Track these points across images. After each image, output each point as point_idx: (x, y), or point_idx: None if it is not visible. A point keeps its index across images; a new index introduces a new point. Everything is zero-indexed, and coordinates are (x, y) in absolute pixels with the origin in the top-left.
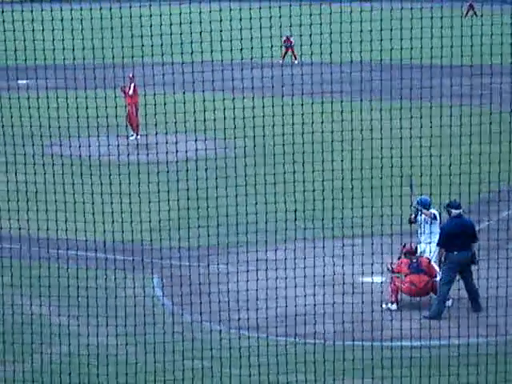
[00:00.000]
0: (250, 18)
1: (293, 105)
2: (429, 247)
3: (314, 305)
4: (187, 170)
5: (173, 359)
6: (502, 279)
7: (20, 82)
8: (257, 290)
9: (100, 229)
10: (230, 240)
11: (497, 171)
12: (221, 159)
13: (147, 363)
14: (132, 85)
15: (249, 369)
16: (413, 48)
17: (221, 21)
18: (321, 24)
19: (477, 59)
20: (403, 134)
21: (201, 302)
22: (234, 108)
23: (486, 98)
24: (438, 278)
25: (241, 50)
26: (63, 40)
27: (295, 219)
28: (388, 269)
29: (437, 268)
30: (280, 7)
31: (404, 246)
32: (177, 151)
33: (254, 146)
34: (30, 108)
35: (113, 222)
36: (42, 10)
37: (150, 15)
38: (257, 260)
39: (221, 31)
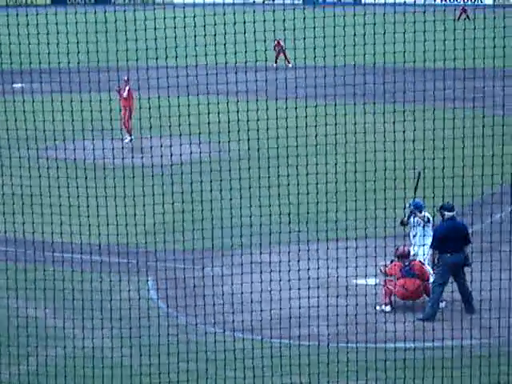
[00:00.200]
0: (244, 22)
1: (286, 108)
2: (422, 249)
3: (309, 307)
4: (182, 173)
5: (168, 361)
6: (495, 281)
7: (15, 85)
8: (251, 292)
9: (95, 232)
10: (225, 243)
11: (489, 174)
12: (215, 162)
13: (142, 365)
14: (127, 88)
15: (243, 371)
16: (406, 51)
17: (215, 24)
18: (314, 28)
19: (470, 62)
20: (396, 137)
21: (196, 305)
22: (228, 111)
23: (479, 101)
24: (431, 281)
25: (235, 53)
26: (58, 44)
27: (289, 222)
28: (381, 271)
29: (430, 270)
30: (274, 11)
31: (397, 249)
32: (171, 154)
33: (248, 149)
34: (24, 111)
35: (108, 224)
36: (37, 14)
37: (145, 19)
38: (251, 262)
39: (215, 35)
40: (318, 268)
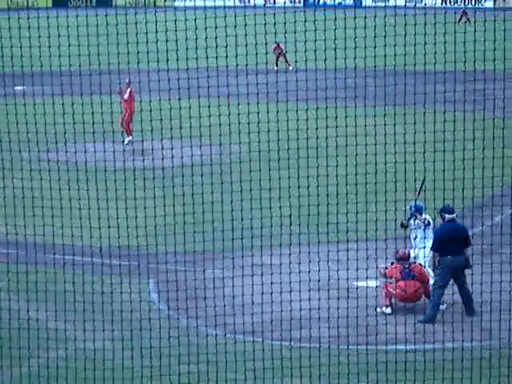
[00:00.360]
0: (245, 25)
1: (287, 111)
2: (422, 252)
3: (309, 309)
4: (183, 176)
5: (169, 364)
6: (495, 284)
7: (16, 88)
8: (252, 294)
9: (96, 234)
10: (226, 245)
11: (490, 176)
12: (216, 165)
13: (143, 368)
14: (128, 90)
15: (244, 373)
16: (406, 54)
17: (216, 27)
18: (315, 30)
19: (470, 65)
20: (397, 140)
21: (197, 307)
22: (229, 114)
23: (480, 103)
24: (431, 282)
25: (236, 56)
26: (59, 46)
27: (290, 224)
28: (381, 273)
29: (431, 273)
30: (274, 14)
31: (397, 252)
32: (172, 157)
33: (250, 151)
34: (26, 114)
35: (109, 227)
36: (38, 17)
37: (146, 22)
38: (252, 265)
39: (216, 37)
40: (319, 270)
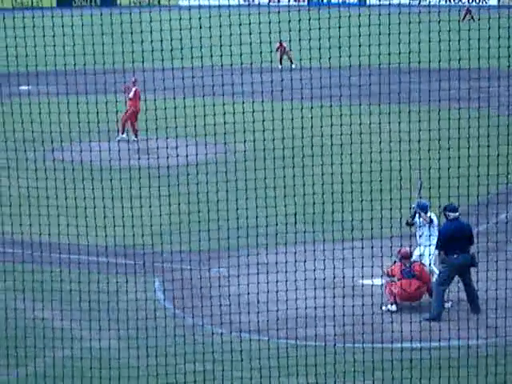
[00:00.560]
0: (250, 24)
1: (292, 109)
2: (427, 250)
3: (315, 307)
4: (188, 175)
5: (175, 362)
6: (500, 281)
7: (21, 87)
8: (258, 292)
9: (101, 233)
10: (231, 243)
11: (495, 174)
12: (221, 163)
13: (149, 366)
14: (134, 89)
15: (250, 372)
16: (411, 52)
17: (220, 26)
18: (320, 29)
19: (474, 63)
20: (402, 138)
21: (202, 306)
22: (234, 112)
23: (484, 101)
24: (433, 280)
25: (240, 54)
26: (64, 46)
27: (295, 222)
28: (383, 272)
29: (436, 271)
30: (279, 12)
31: (399, 250)
32: (177, 155)
33: (254, 150)
34: (31, 113)
35: (114, 226)
36: (43, 16)
37: (150, 20)
38: (257, 263)
39: (220, 36)
40: (325, 268)
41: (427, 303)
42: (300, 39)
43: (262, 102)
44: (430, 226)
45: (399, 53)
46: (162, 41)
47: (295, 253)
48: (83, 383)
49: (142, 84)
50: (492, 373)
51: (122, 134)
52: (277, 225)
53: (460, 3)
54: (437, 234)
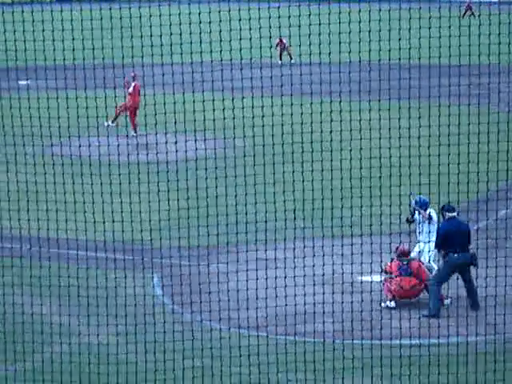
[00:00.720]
0: (249, 19)
1: (292, 105)
2: (427, 246)
3: (314, 304)
4: (187, 170)
5: (173, 358)
6: (500, 278)
7: (20, 82)
8: (256, 289)
9: (100, 228)
10: (230, 239)
11: (495, 170)
12: (220, 159)
13: (147, 362)
14: (133, 84)
15: (249, 367)
16: (411, 48)
17: (220, 21)
18: (320, 24)
19: (475, 59)
20: (402, 134)
21: (201, 301)
22: (233, 108)
23: (484, 97)
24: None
25: (240, 50)
26: (63, 40)
27: (294, 218)
28: (381, 268)
29: (435, 267)
30: (279, 7)
31: (397, 247)
32: (177, 151)
33: (254, 145)
34: (30, 108)
35: (113, 221)
36: (42, 11)
37: (150, 15)
38: (256, 259)
39: (220, 31)
40: (324, 265)
41: (426, 300)
42: (300, 35)
43: (262, 97)
44: (429, 223)
45: (399, 49)
46: (161, 36)
47: (294, 249)
48: (81, 379)
49: (142, 79)
50: (491, 370)
51: (112, 123)
52: (276, 221)
53: None
54: (436, 229)
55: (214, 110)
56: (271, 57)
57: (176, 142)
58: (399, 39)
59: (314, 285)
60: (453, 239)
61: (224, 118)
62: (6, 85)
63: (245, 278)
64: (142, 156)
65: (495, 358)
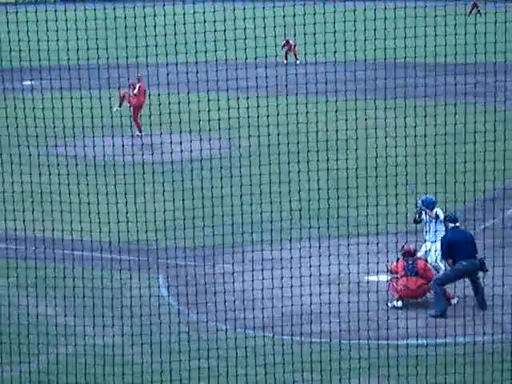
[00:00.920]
0: (254, 18)
1: (297, 104)
2: (434, 246)
3: (320, 304)
4: (192, 170)
5: (179, 359)
6: (507, 277)
7: (24, 83)
8: (262, 289)
9: (105, 229)
10: (235, 239)
11: (502, 169)
12: (225, 159)
13: (153, 363)
14: (138, 85)
15: (255, 368)
16: (416, 46)
17: (225, 20)
18: (324, 23)
19: (481, 57)
20: (407, 133)
21: (207, 302)
22: (238, 107)
23: (491, 95)
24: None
25: (245, 49)
26: (67, 40)
27: (300, 218)
28: (387, 268)
29: (442, 267)
30: (284, 6)
31: (403, 247)
32: (181, 151)
33: (259, 145)
34: (34, 109)
35: (118, 222)
36: (46, 11)
37: (154, 15)
38: (262, 259)
39: (225, 31)
40: (330, 264)
41: (433, 299)
42: (305, 33)
43: (267, 96)
44: (436, 222)
45: (405, 47)
46: (166, 35)
47: (300, 249)
48: (87, 380)
49: (146, 79)
50: (498, 369)
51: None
52: (282, 220)
53: None
54: (444, 229)
55: (219, 109)
56: (276, 56)
57: (181, 142)
58: (405, 37)
59: (321, 285)
60: (458, 248)
61: (229, 118)
62: (10, 85)
63: (250, 279)
64: (146, 156)
65: (502, 357)
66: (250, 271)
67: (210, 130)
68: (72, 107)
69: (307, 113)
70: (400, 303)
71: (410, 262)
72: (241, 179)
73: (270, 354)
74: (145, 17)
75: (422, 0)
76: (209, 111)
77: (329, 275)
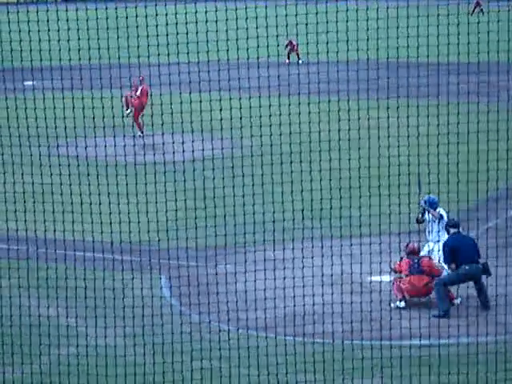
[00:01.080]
0: (256, 17)
1: (299, 104)
2: (437, 246)
3: (323, 304)
4: (194, 170)
5: (181, 359)
6: (510, 277)
7: (26, 83)
8: (265, 289)
9: (107, 229)
10: (238, 240)
11: (504, 169)
12: (228, 159)
13: (155, 364)
14: (140, 87)
15: (257, 368)
16: (419, 46)
17: (227, 20)
18: (327, 22)
19: (484, 56)
20: (410, 133)
21: (209, 302)
22: (240, 107)
23: (494, 95)
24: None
25: (247, 49)
26: (69, 40)
27: (302, 218)
28: (390, 268)
29: (445, 266)
30: (286, 6)
31: (407, 246)
32: (184, 151)
33: (261, 145)
34: (36, 109)
35: (120, 222)
36: (47, 11)
37: (156, 15)
38: (264, 259)
39: (227, 30)
40: (332, 265)
41: (436, 300)
42: (307, 33)
43: (269, 96)
44: (439, 222)
45: (407, 47)
46: (168, 35)
47: (302, 249)
48: (89, 381)
49: (148, 79)
50: (502, 369)
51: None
52: (284, 221)
53: None
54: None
55: (221, 109)
56: (278, 56)
57: (183, 142)
58: (407, 37)
59: (323, 285)
60: (461, 253)
61: (231, 118)
62: (12, 85)
63: (253, 279)
64: (148, 156)
65: (506, 357)
66: (252, 271)
67: (211, 130)
68: (73, 107)
69: (309, 113)
70: (403, 303)
71: (416, 261)
72: (243, 179)
73: (272, 354)
74: (146, 16)
75: None
76: (211, 111)
77: (331, 275)
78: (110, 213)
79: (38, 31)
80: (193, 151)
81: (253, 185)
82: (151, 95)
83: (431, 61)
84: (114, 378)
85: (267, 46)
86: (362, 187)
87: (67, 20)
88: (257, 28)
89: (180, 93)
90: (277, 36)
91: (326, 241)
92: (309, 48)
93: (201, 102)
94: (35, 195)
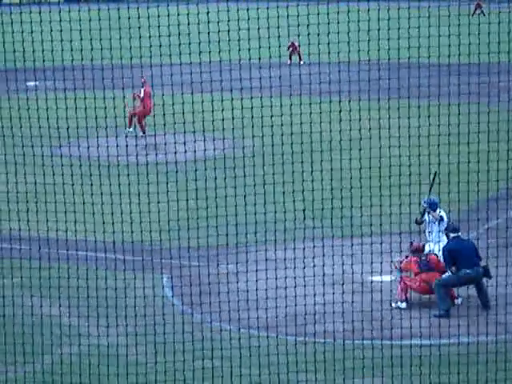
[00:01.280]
0: (258, 18)
1: (300, 104)
2: (437, 246)
3: (324, 304)
4: (196, 170)
5: (183, 359)
6: (511, 277)
7: (28, 83)
8: (266, 289)
9: (109, 229)
10: (239, 239)
11: (505, 169)
12: (229, 159)
13: (157, 363)
14: (142, 89)
15: (259, 368)
16: (420, 47)
17: (228, 21)
18: (328, 23)
19: (484, 57)
20: (411, 133)
21: (210, 302)
22: (242, 108)
23: (494, 96)
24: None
25: (248, 50)
26: (71, 41)
27: (304, 218)
28: (396, 267)
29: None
30: (287, 7)
31: (412, 244)
32: (185, 151)
33: (263, 145)
34: (38, 109)
35: (122, 222)
36: (49, 11)
37: (158, 16)
38: (266, 259)
39: (228, 31)
40: (333, 265)
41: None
42: (309, 34)
43: (271, 97)
44: (439, 223)
45: (408, 47)
46: (169, 36)
47: (304, 249)
48: (91, 380)
49: (150, 79)
50: (502, 369)
51: (130, 128)
52: (285, 220)
53: None
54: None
55: (222, 110)
56: (280, 56)
57: (185, 143)
58: (408, 38)
59: (324, 285)
60: (461, 257)
61: (233, 118)
62: (14, 86)
63: (254, 279)
64: (150, 156)
65: (506, 357)
66: (253, 271)
67: (213, 130)
68: (76, 108)
69: (311, 113)
70: (404, 305)
71: (423, 258)
72: (244, 179)
73: (273, 354)
74: (149, 17)
75: (425, 0)
76: (212, 111)
77: (332, 275)
78: (112, 213)
79: (41, 32)
80: (195, 151)
81: (254, 185)
82: (153, 95)
83: (432, 61)
84: (116, 377)
85: (269, 47)
86: (363, 187)
87: (70, 21)
88: (258, 29)
89: (182, 93)
90: (278, 37)
91: (327, 241)
92: (310, 48)
93: (202, 102)
94: (38, 195)
